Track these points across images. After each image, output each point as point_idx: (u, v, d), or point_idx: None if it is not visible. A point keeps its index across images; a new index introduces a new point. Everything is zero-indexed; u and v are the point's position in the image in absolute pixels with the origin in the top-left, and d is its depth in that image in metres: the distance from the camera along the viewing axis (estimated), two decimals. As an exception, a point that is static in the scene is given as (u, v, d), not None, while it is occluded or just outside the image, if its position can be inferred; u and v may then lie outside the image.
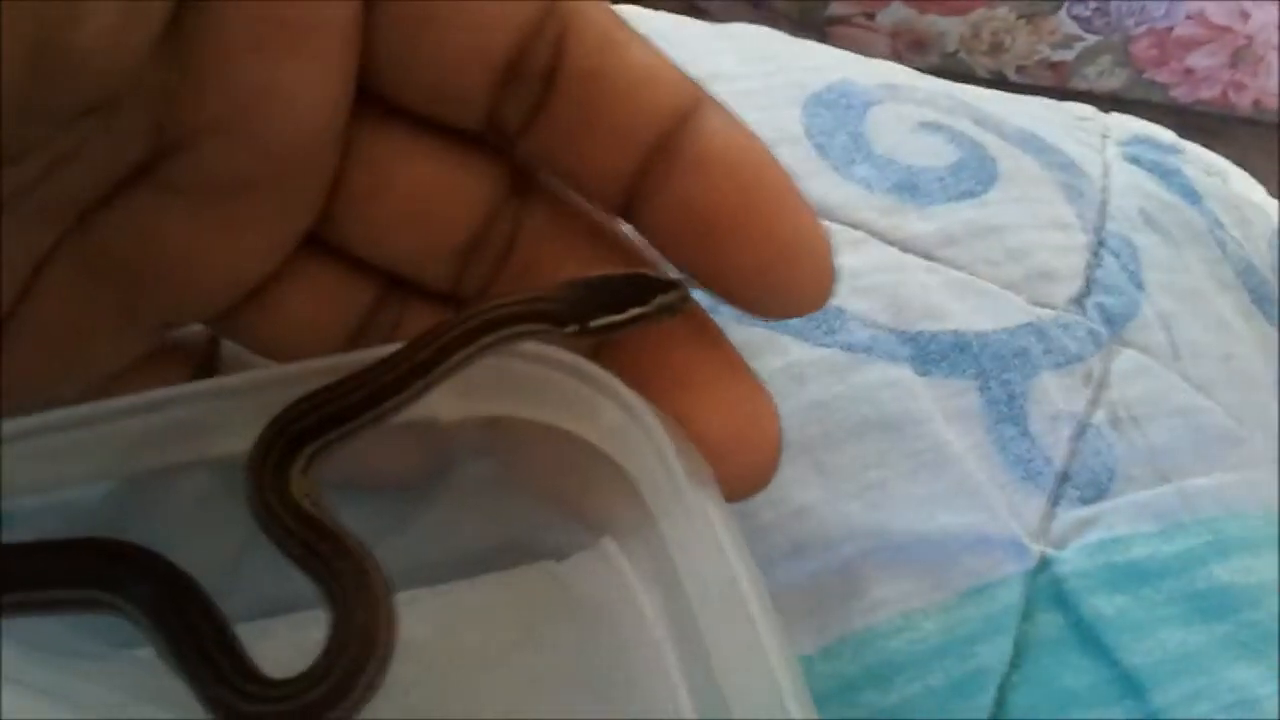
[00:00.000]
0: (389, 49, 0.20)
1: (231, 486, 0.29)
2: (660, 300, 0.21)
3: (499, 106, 0.21)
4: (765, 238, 0.21)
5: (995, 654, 0.27)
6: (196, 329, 0.24)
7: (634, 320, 0.21)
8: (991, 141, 0.35)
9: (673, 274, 0.22)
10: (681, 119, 0.21)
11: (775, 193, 0.21)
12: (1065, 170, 0.35)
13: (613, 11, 0.21)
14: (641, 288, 0.21)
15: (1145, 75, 0.93)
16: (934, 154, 0.34)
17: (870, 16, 0.92)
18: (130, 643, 0.26)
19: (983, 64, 0.72)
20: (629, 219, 0.22)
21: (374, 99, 0.21)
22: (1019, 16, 0.91)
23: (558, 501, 0.27)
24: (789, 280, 0.21)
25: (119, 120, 0.19)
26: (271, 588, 0.28)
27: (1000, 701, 0.26)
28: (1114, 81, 0.94)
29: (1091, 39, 0.92)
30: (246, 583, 0.28)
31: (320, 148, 0.20)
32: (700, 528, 0.22)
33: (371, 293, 0.23)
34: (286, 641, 0.27)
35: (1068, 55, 0.93)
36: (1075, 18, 0.91)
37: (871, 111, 0.35)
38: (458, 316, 0.21)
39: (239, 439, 0.22)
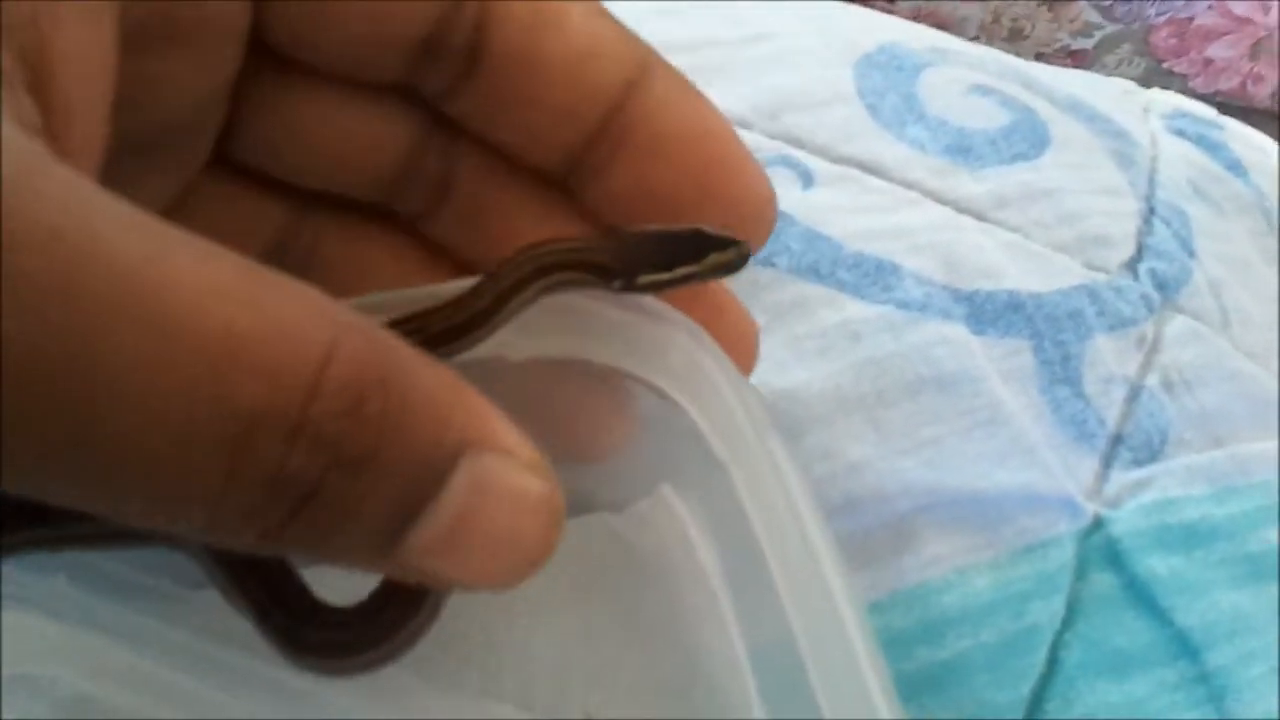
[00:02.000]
0: (290, 33, 0.19)
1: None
2: (714, 258, 0.20)
3: (418, 83, 0.20)
4: (721, 211, 0.20)
5: (1048, 612, 0.27)
6: None
7: (684, 279, 0.20)
8: (1042, 107, 0.35)
9: None
10: (626, 92, 0.20)
11: (729, 164, 0.20)
12: (1116, 138, 0.35)
13: None
14: (697, 244, 0.20)
15: (1164, 65, 0.93)
16: (986, 117, 0.34)
17: (892, 0, 0.91)
18: (198, 583, 0.26)
19: (1003, 50, 0.73)
20: (571, 189, 0.21)
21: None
22: (1040, 3, 0.91)
23: (616, 447, 0.27)
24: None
25: None
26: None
27: (1052, 659, 0.26)
28: (1133, 71, 0.94)
29: (1111, 27, 0.92)
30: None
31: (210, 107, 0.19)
32: (771, 475, 0.22)
33: (284, 212, 0.22)
34: (335, 589, 0.27)
35: (1087, 43, 0.93)
36: (1096, 6, 0.91)
37: (924, 74, 0.35)
38: (508, 260, 0.20)
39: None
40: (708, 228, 0.20)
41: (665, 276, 0.20)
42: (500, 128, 0.20)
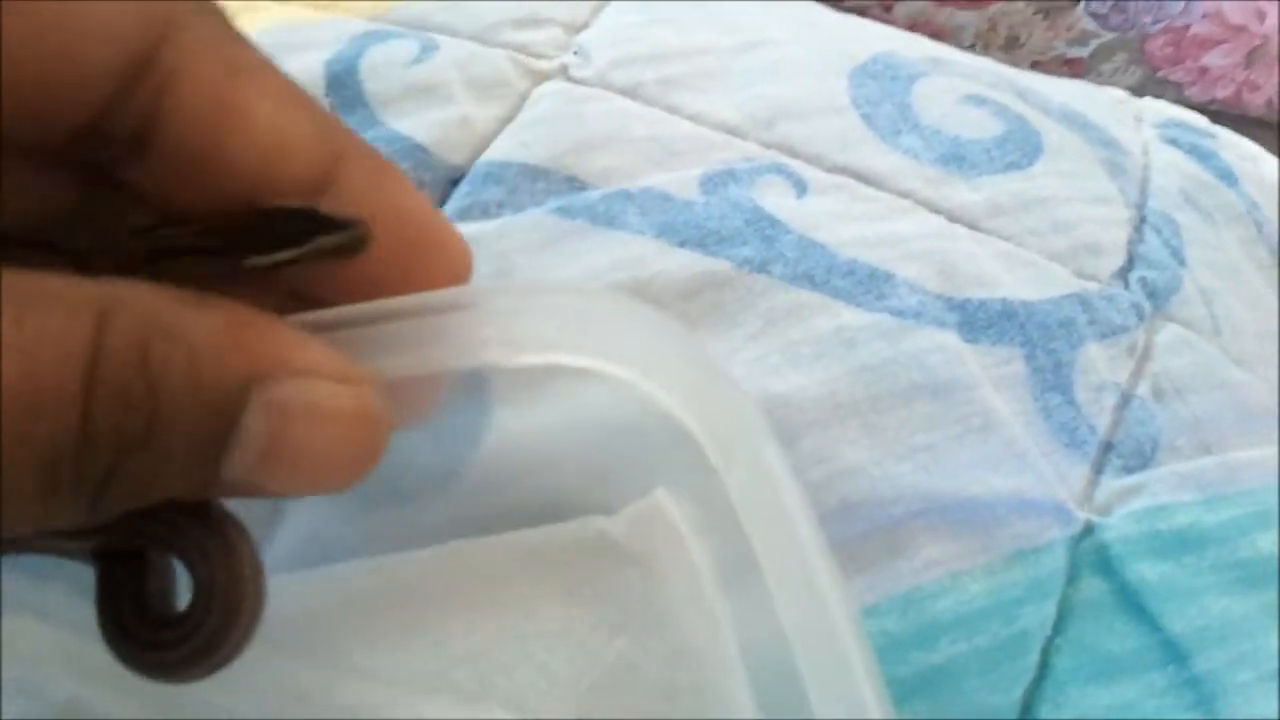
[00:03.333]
0: None
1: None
2: (324, 241, 0.18)
3: (86, 155, 0.18)
4: (425, 285, 0.20)
5: (1039, 617, 0.27)
6: None
7: (290, 261, 0.19)
8: (1036, 116, 0.35)
9: None
10: (317, 189, 0.19)
11: (428, 243, 0.20)
12: (1108, 147, 0.36)
13: (239, 58, 0.18)
14: (305, 224, 0.18)
15: (1160, 73, 0.94)
16: (980, 126, 0.34)
17: (888, 9, 0.92)
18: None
19: (998, 59, 0.73)
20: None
21: None
22: (1036, 11, 0.92)
23: (610, 452, 0.27)
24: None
25: None
26: (315, 531, 0.28)
27: (1044, 664, 0.27)
28: (1129, 79, 0.94)
29: (1108, 36, 0.92)
30: (289, 528, 0.28)
31: None
32: (765, 478, 0.22)
33: None
34: (328, 592, 0.27)
35: (1083, 52, 0.93)
36: (1093, 14, 0.91)
37: (917, 84, 0.35)
38: (117, 244, 0.19)
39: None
40: (323, 209, 0.19)
41: (266, 261, 0.19)
42: (178, 205, 0.19)
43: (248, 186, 0.18)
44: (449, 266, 0.21)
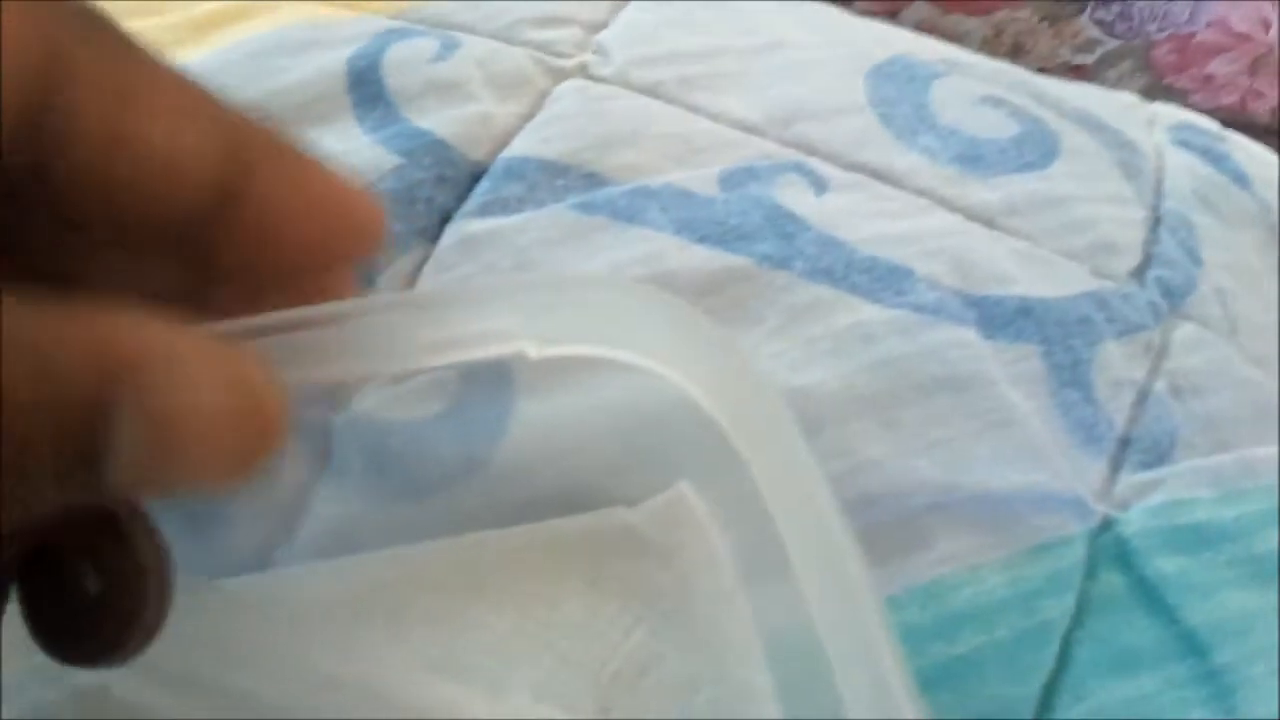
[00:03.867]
0: None
1: (293, 424, 0.29)
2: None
3: None
4: (351, 261, 0.20)
5: (1059, 610, 0.27)
6: None
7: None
8: (1051, 118, 0.36)
9: None
10: (224, 201, 0.18)
11: (348, 224, 0.20)
12: (1123, 148, 0.36)
13: (129, 81, 0.17)
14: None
15: (1165, 81, 0.94)
16: (997, 127, 0.35)
17: (893, 15, 0.92)
18: (218, 573, 0.26)
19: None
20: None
21: None
22: (1041, 19, 0.92)
23: (633, 444, 0.27)
24: None
25: None
26: (339, 522, 0.28)
27: (1063, 656, 0.27)
28: (1134, 86, 0.94)
29: (1113, 43, 0.93)
30: (314, 518, 0.28)
31: None
32: (790, 468, 0.23)
33: None
34: (352, 581, 0.28)
35: (1089, 59, 0.94)
36: (1098, 21, 0.91)
37: (935, 84, 0.35)
38: None
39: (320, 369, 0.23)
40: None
41: None
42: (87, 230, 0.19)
43: (149, 211, 0.18)
44: (365, 232, 0.20)
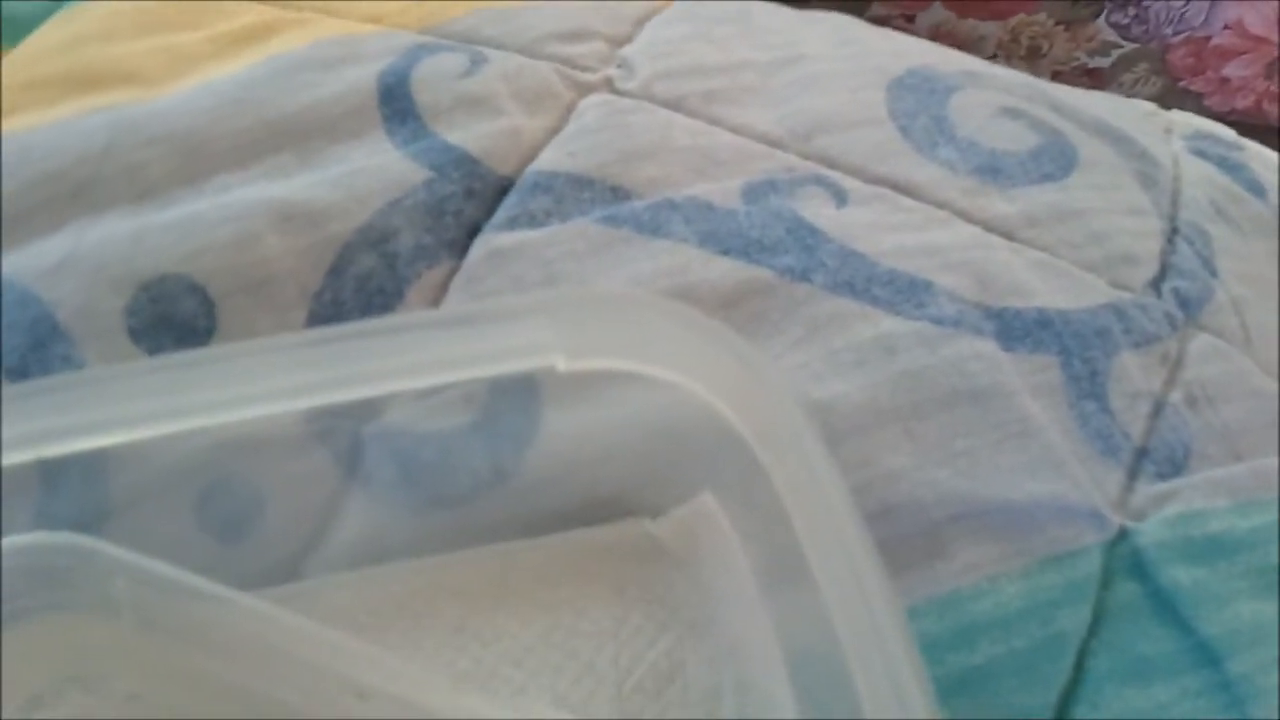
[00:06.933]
0: None
1: (324, 435, 0.30)
2: None
3: None
4: None
5: (1075, 620, 0.27)
6: None
7: None
8: (1070, 129, 0.36)
9: None
10: None
11: None
12: (1140, 159, 0.36)
13: None
14: None
15: (1181, 83, 0.94)
16: (1016, 139, 0.35)
17: (910, 19, 0.92)
18: (249, 584, 0.27)
19: (1020, 69, 0.74)
20: None
21: None
22: (1058, 22, 0.92)
23: (658, 455, 0.28)
24: None
25: None
26: (368, 532, 0.29)
27: (1079, 666, 0.27)
28: (1150, 89, 0.94)
29: (1129, 46, 0.93)
30: (343, 529, 0.29)
31: None
32: (812, 478, 0.23)
33: None
34: (380, 591, 0.28)
35: (1105, 62, 0.94)
36: (1114, 25, 0.91)
37: (954, 97, 0.36)
38: None
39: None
40: None
41: None
42: None
43: None
44: None
